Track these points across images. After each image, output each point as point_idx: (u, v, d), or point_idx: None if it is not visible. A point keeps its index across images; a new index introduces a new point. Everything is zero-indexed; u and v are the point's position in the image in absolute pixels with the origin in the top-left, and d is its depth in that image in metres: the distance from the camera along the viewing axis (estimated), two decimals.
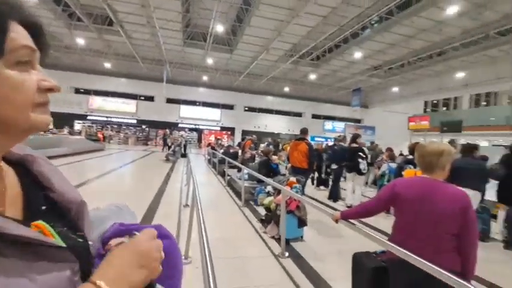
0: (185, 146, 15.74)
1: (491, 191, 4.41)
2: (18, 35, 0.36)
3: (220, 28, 13.70)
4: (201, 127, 24.81)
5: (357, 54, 16.11)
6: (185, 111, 24.35)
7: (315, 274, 2.73)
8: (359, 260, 1.81)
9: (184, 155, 13.58)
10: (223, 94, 24.74)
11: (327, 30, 12.95)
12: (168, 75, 21.43)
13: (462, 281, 1.10)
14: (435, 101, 26.02)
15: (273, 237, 3.57)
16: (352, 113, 24.40)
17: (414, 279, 1.38)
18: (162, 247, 0.43)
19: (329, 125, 26.90)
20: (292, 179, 4.00)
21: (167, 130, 20.57)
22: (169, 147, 14.67)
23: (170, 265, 0.50)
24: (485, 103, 24.01)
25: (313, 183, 8.17)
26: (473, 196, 4.01)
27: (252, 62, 18.45)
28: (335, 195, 6.14)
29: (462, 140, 19.45)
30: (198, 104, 25.10)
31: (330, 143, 10.73)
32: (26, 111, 0.36)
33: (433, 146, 1.55)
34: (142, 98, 24.00)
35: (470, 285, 1.10)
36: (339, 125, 25.94)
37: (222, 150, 10.81)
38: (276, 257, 3.04)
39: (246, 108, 26.02)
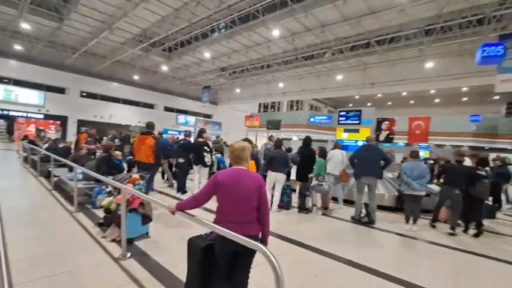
0: None
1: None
2: None
3: None
4: (12, 113, 17.99)
5: (207, 54, 17.17)
6: None
7: (159, 267, 2.82)
8: (192, 244, 2.08)
9: None
10: (49, 73, 19.09)
11: (179, 23, 12.96)
12: None
13: (257, 244, 1.54)
14: (266, 103, 32.43)
15: (113, 240, 3.35)
16: (203, 108, 25.78)
17: (227, 247, 1.81)
18: None
19: (182, 118, 27.09)
20: (136, 175, 3.88)
21: None
22: None
23: None
24: (296, 108, 32.66)
25: (163, 178, 8.12)
26: (281, 177, 5.53)
27: (92, 39, 15.34)
28: (182, 188, 6.44)
29: (283, 135, 25.53)
30: (6, 81, 17.98)
31: (182, 137, 10.94)
32: None
33: (239, 144, 2.02)
34: None
35: (262, 246, 1.50)
36: (192, 119, 26.74)
37: (46, 145, 8.45)
38: (116, 261, 2.89)
39: (84, 94, 21.35)
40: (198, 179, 6.03)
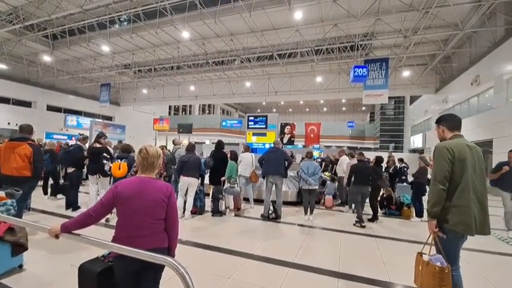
0: None
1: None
2: None
3: None
4: None
5: (105, 48, 15.07)
6: None
7: None
8: (84, 270, 1.79)
9: None
10: None
11: (67, 7, 10.90)
12: None
13: (164, 257, 1.43)
14: (177, 106, 31.06)
15: None
16: (101, 109, 22.35)
17: (130, 266, 1.63)
18: None
19: (73, 120, 22.56)
20: (1, 193, 3.02)
21: None
22: None
23: None
24: (208, 112, 32.65)
25: (46, 193, 6.61)
26: (194, 182, 5.43)
27: None
28: (73, 204, 5.42)
29: (195, 138, 25.06)
30: None
31: (72, 142, 9.20)
32: None
33: (154, 149, 1.84)
34: None
35: (169, 259, 1.40)
36: (87, 121, 22.72)
37: None
38: None
39: None
40: (95, 191, 5.20)
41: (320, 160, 12.49)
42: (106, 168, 5.11)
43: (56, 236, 1.69)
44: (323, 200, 7.27)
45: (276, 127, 10.25)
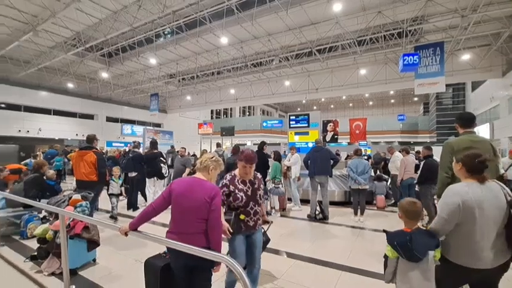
0: None
1: None
2: None
3: None
4: None
5: (152, 60, 16.35)
6: None
7: None
8: (149, 265, 1.92)
9: None
10: None
11: (119, 27, 12.08)
12: None
13: (215, 253, 1.56)
14: (218, 110, 32.21)
15: (52, 273, 2.91)
16: (151, 117, 24.29)
17: (179, 260, 1.77)
18: None
19: (128, 129, 25.04)
20: (77, 196, 3.45)
21: None
22: None
23: None
24: (248, 113, 33.15)
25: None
26: None
27: (10, 42, 13.24)
28: (134, 205, 5.96)
29: (237, 140, 25.68)
30: None
31: (127, 149, 10.17)
32: None
33: (208, 155, 2.05)
34: None
35: (223, 255, 1.51)
36: (140, 129, 24.95)
37: None
38: None
39: (3, 105, 18.09)
40: (152, 192, 5.66)
41: (366, 157, 11.74)
42: (164, 171, 5.55)
43: (126, 234, 1.89)
44: (375, 201, 6.82)
45: (319, 125, 9.93)
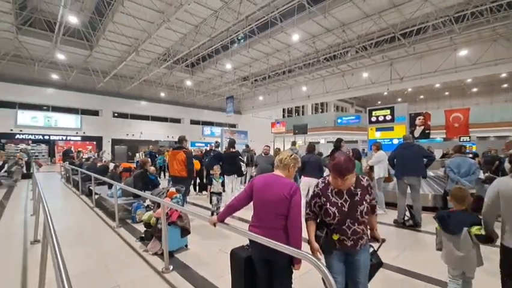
0: (28, 164, 12.03)
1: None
2: None
3: (73, 19, 11.48)
4: (52, 137, 19.58)
5: (228, 66, 17.55)
6: (26, 117, 18.50)
7: (202, 280, 2.82)
8: (235, 255, 2.08)
9: (27, 175, 10.49)
10: (84, 97, 20.55)
11: (199, 39, 13.44)
12: None
13: (298, 250, 1.55)
14: (290, 108, 32.15)
15: (155, 253, 3.43)
16: (227, 119, 26.23)
17: (258, 252, 1.85)
18: None
19: (207, 130, 27.77)
20: (172, 189, 3.97)
21: None
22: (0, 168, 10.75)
23: None
24: (321, 110, 31.91)
25: (195, 190, 8.28)
26: (314, 182, 5.36)
27: (120, 62, 16.47)
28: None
29: (310, 138, 25.10)
30: (45, 108, 19.68)
31: (209, 148, 11.17)
32: None
33: (287, 153, 2.05)
34: None
35: (307, 253, 1.50)
36: (217, 130, 27.26)
37: (85, 166, 9.07)
38: (160, 274, 2.95)
39: (116, 114, 22.73)
40: (230, 189, 6.06)
41: (471, 155, 9.66)
42: (243, 168, 5.91)
43: (214, 224, 2.10)
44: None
45: (406, 119, 8.70)
